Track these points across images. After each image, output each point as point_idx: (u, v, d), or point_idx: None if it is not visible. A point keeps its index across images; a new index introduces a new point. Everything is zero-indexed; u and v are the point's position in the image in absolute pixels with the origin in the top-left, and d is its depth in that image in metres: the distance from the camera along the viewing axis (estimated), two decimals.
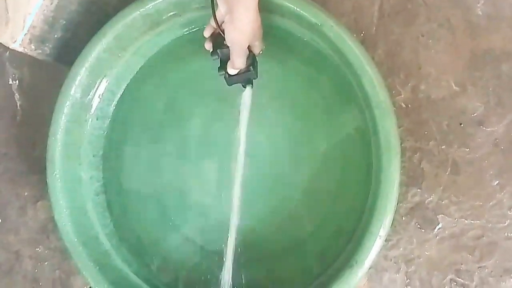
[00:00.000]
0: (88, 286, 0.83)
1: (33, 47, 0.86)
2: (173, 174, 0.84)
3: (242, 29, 0.64)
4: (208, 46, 0.71)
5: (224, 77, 0.72)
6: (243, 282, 0.77)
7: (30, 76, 0.90)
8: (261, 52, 0.73)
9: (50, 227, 0.89)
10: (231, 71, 0.70)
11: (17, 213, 0.90)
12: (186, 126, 0.83)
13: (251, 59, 0.71)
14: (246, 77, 0.71)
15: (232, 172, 0.77)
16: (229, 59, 0.69)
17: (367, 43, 0.82)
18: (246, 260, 0.78)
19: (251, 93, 0.72)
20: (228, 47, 0.67)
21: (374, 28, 0.82)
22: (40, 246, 0.89)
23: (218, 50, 0.70)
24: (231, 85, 0.72)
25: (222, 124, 0.82)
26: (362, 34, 0.82)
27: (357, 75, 0.72)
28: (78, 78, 0.78)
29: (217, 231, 0.80)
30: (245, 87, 0.72)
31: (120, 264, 0.79)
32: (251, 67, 0.70)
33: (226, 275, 0.75)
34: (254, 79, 0.72)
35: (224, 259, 0.75)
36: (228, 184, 0.78)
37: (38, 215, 0.90)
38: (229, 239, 0.75)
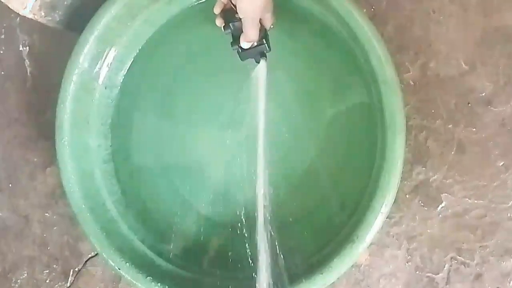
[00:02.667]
0: (95, 253, 0.87)
1: (43, 13, 0.85)
2: (181, 144, 0.84)
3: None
4: (220, 22, 0.70)
5: (237, 52, 0.71)
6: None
7: (40, 43, 0.90)
8: (272, 26, 0.72)
9: (59, 192, 0.89)
10: (244, 44, 0.69)
11: (27, 178, 0.91)
12: (196, 97, 0.83)
13: (263, 32, 0.71)
14: (259, 51, 0.71)
15: (241, 141, 0.78)
16: (241, 32, 0.68)
17: (377, 18, 0.81)
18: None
19: (266, 66, 0.72)
20: (240, 20, 0.67)
21: (385, 3, 0.81)
22: (49, 211, 0.91)
23: (230, 24, 0.69)
24: (245, 59, 0.72)
25: (234, 96, 0.82)
26: (372, 9, 0.81)
27: (364, 50, 0.71)
28: (87, 46, 0.78)
29: (225, 201, 0.81)
30: (258, 62, 0.72)
31: (126, 231, 0.80)
32: (263, 40, 0.70)
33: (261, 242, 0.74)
34: (267, 52, 0.71)
35: (257, 225, 0.74)
36: (238, 153, 0.79)
37: (47, 180, 0.91)
38: (258, 206, 0.74)
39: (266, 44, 0.70)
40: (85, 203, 0.77)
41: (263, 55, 0.71)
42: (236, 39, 0.70)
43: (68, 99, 0.78)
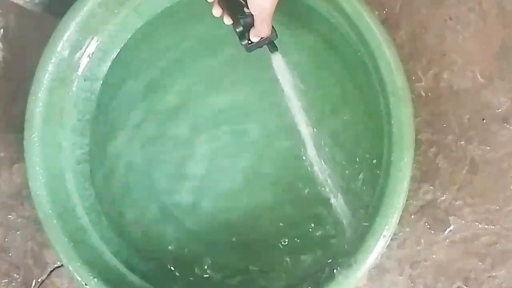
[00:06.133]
0: (61, 263, 0.82)
1: None
2: (168, 146, 0.80)
3: None
4: (218, 12, 0.65)
5: (244, 45, 0.68)
6: None
7: (17, 26, 0.87)
8: None
9: (25, 193, 0.85)
10: (255, 38, 0.66)
11: None
12: (187, 95, 0.80)
13: None
14: (268, 40, 0.67)
15: (237, 145, 0.77)
16: (251, 27, 0.64)
17: (389, 21, 0.78)
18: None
19: (281, 56, 0.68)
20: (249, 15, 0.63)
21: (399, 6, 0.78)
22: (13, 213, 0.86)
23: (241, 21, 0.65)
24: (251, 51, 0.68)
25: (230, 92, 0.79)
26: (384, 12, 0.78)
27: (373, 56, 0.69)
28: (67, 33, 0.75)
29: (210, 213, 0.78)
30: (263, 46, 0.68)
31: (98, 242, 0.76)
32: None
33: None
34: (275, 39, 0.68)
35: None
36: (232, 158, 0.77)
37: (13, 178, 0.86)
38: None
39: (274, 33, 0.66)
40: (52, 207, 0.73)
41: (272, 44, 0.68)
42: (244, 34, 0.66)
43: (42, 90, 0.75)
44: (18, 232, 0.86)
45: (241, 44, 0.66)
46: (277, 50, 0.67)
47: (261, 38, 0.65)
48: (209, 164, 0.79)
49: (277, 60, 0.68)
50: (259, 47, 0.67)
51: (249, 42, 0.66)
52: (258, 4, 0.60)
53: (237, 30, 0.65)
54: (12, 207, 0.86)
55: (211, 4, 0.65)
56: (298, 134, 0.72)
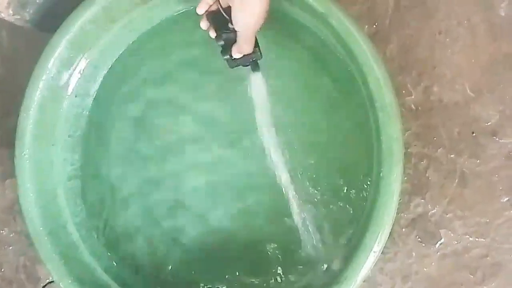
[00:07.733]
0: (51, 279, 0.82)
1: (11, 12, 0.79)
2: (159, 162, 0.79)
3: (255, 13, 0.58)
4: (205, 25, 0.66)
5: (226, 60, 0.67)
6: None
7: (9, 42, 0.87)
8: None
9: (17, 208, 0.84)
10: (237, 55, 0.66)
11: None
12: (179, 110, 0.79)
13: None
14: (250, 58, 0.67)
15: (228, 160, 0.76)
16: (234, 42, 0.64)
17: (379, 35, 0.78)
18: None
19: (261, 76, 0.68)
20: (232, 30, 0.62)
21: (388, 20, 0.78)
22: (5, 229, 0.86)
23: (223, 35, 0.64)
24: (234, 67, 0.68)
25: (220, 109, 0.78)
26: (374, 26, 0.78)
27: (362, 72, 0.68)
28: (58, 50, 0.74)
29: (202, 230, 0.77)
30: (248, 65, 0.68)
31: (88, 258, 0.75)
32: (256, 48, 0.66)
33: None
34: (259, 59, 0.68)
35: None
36: (224, 175, 0.76)
37: (5, 194, 0.86)
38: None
39: (258, 52, 0.66)
40: (43, 224, 0.72)
41: (255, 64, 0.68)
42: (227, 48, 0.65)
43: (33, 107, 0.73)
44: (10, 248, 0.85)
45: (223, 58, 0.66)
46: (259, 70, 0.67)
47: (244, 55, 0.65)
48: (201, 181, 0.78)
49: (256, 80, 0.68)
50: (243, 65, 0.67)
51: (231, 57, 0.65)
52: (242, 21, 0.59)
53: (219, 43, 0.65)
54: (4, 222, 0.85)
55: (201, 16, 0.66)
56: (277, 154, 0.72)
